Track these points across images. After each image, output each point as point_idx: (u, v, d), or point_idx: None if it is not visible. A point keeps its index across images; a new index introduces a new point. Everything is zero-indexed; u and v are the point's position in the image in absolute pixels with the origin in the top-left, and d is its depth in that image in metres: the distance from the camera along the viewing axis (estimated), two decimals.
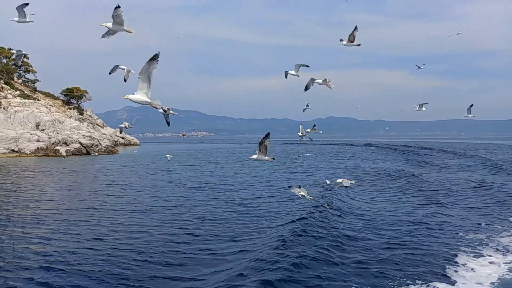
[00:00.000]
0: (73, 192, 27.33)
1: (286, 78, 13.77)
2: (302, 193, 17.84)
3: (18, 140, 71.63)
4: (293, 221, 16.88)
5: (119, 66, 12.71)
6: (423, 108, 19.31)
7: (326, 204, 20.00)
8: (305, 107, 18.22)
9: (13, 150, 70.01)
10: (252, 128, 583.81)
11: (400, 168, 40.77)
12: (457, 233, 15.42)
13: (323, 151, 79.25)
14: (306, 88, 13.45)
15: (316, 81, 12.82)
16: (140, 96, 8.05)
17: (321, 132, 21.68)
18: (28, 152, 69.83)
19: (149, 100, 8.08)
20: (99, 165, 49.43)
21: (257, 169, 41.63)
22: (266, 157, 12.33)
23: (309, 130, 22.59)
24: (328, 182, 31.22)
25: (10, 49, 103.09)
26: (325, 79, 12.56)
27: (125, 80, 12.80)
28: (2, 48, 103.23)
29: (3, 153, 68.43)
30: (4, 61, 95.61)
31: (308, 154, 30.65)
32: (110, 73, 12.81)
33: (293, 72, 13.40)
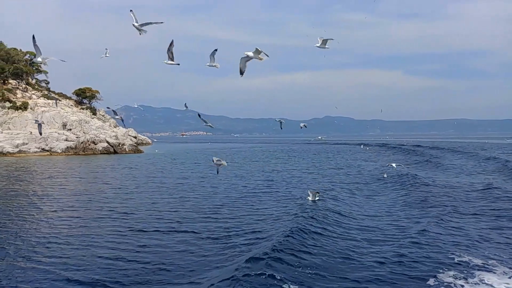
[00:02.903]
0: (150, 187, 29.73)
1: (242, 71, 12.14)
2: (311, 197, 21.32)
3: (47, 140, 73.38)
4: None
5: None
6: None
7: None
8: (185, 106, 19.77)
9: (43, 149, 71.85)
10: (248, 128, 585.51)
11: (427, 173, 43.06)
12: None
13: (343, 151, 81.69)
14: (241, 72, 12.12)
15: (247, 54, 11.64)
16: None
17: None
18: (59, 151, 71.70)
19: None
20: (146, 163, 51.60)
21: (303, 164, 43.87)
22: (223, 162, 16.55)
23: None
24: (385, 176, 34.09)
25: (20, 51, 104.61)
26: (257, 50, 11.47)
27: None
28: (15, 49, 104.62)
29: (35, 152, 70.32)
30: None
31: (320, 137, 32.41)
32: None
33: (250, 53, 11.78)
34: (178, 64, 12.91)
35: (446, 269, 12.47)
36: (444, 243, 15.04)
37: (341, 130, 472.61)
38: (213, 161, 16.06)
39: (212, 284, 10.89)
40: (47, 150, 71.76)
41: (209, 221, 18.58)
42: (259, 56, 11.46)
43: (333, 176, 36.86)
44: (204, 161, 54.37)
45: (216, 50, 13.08)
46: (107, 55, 13.21)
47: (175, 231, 16.83)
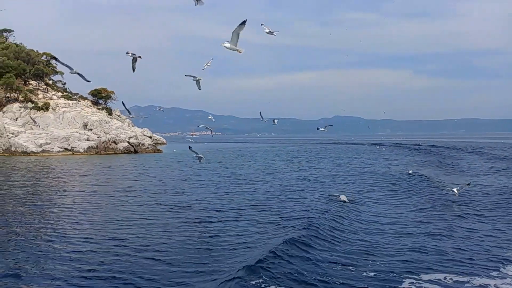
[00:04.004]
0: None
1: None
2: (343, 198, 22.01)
3: (69, 139, 74.77)
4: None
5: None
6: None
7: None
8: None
9: (66, 149, 73.23)
10: (257, 128, 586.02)
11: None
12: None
13: (362, 151, 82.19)
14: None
15: (224, 45, 11.62)
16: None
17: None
18: (81, 150, 73.03)
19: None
20: (173, 161, 52.67)
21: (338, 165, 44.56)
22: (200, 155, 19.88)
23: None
24: (410, 172, 35.07)
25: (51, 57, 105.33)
26: (233, 39, 11.46)
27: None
28: (32, 50, 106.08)
29: (58, 152, 71.74)
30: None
31: (321, 128, 32.90)
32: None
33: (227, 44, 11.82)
34: (140, 57, 14.22)
35: (507, 264, 12.88)
36: (499, 239, 15.60)
37: (351, 130, 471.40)
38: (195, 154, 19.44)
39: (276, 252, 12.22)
40: (69, 150, 73.13)
41: (263, 210, 20.30)
42: (237, 49, 11.73)
43: (363, 174, 37.59)
44: (228, 160, 55.35)
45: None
46: (208, 64, 14.08)
47: (236, 220, 18.34)
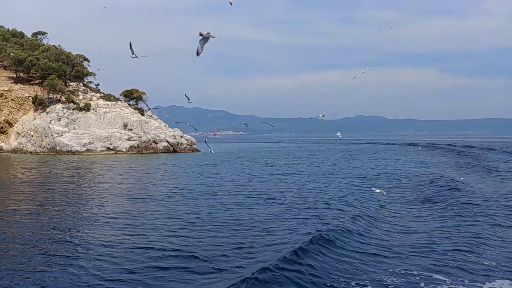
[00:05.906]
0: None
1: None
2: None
3: (111, 139, 76.85)
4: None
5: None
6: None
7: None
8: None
9: (108, 148, 75.30)
10: (278, 128, 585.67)
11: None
12: None
13: (400, 151, 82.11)
14: (197, 54, 12.81)
15: (202, 33, 12.40)
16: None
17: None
18: (124, 150, 74.98)
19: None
20: (220, 160, 53.70)
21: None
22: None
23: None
24: (462, 178, 34.54)
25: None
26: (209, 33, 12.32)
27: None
28: (70, 52, 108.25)
29: (101, 151, 73.80)
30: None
31: (321, 115, 32.74)
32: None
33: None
34: (140, 56, 16.75)
35: None
36: None
37: (373, 129, 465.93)
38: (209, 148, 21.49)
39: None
40: (112, 149, 75.19)
41: (348, 205, 21.39)
42: (212, 35, 12.44)
43: (421, 176, 37.15)
44: (274, 159, 56.22)
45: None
46: (363, 72, 15.58)
47: (307, 207, 20.51)
